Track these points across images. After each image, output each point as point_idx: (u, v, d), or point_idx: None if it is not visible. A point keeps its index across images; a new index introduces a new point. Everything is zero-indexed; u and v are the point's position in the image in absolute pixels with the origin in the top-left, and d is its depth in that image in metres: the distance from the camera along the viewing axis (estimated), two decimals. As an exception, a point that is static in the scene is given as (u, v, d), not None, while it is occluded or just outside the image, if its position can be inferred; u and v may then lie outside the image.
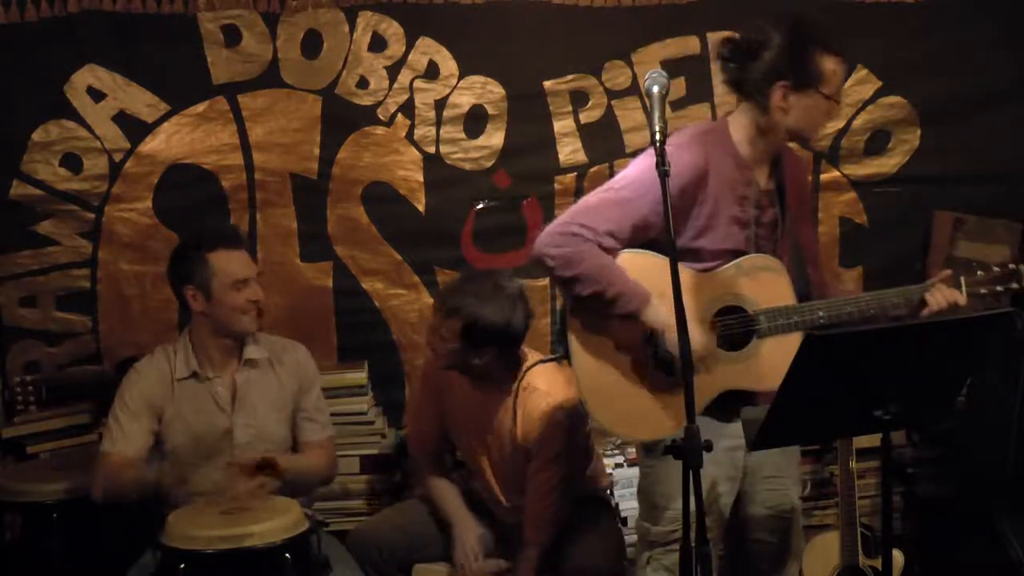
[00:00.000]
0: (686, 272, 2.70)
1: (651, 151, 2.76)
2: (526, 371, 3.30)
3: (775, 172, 2.87)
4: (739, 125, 2.82)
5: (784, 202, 2.87)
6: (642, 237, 2.73)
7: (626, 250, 2.73)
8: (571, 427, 3.23)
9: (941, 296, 2.79)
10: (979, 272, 2.85)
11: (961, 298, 2.80)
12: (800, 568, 3.17)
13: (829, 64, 2.72)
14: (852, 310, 2.78)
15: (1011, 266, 2.85)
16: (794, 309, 2.77)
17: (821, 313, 2.77)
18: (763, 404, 2.79)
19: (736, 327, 2.77)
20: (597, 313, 2.72)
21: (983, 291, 2.84)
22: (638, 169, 2.77)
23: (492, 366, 3.25)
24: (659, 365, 2.72)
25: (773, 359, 2.73)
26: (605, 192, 2.77)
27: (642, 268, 2.71)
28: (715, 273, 2.77)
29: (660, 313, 2.67)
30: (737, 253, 2.78)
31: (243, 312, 3.20)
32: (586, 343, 2.74)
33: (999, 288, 2.84)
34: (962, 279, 2.83)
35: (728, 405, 2.76)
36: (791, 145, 3.00)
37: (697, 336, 2.63)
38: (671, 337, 2.64)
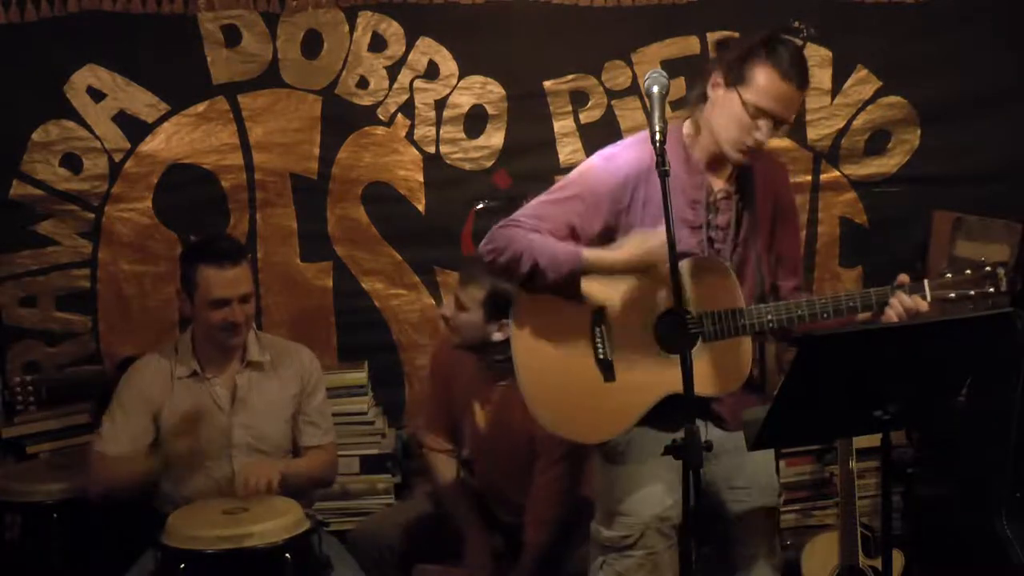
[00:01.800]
0: (631, 243, 2.67)
1: (595, 155, 2.79)
2: None
3: (739, 175, 2.78)
4: (686, 126, 2.78)
5: (748, 207, 2.78)
6: (585, 240, 2.70)
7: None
8: None
9: (900, 306, 2.59)
10: (948, 275, 2.63)
11: (923, 305, 2.60)
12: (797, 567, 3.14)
13: (765, 77, 2.58)
14: (803, 313, 2.65)
15: (987, 268, 2.61)
16: (740, 312, 2.66)
17: (770, 316, 2.66)
18: (723, 410, 2.74)
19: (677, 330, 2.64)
20: (542, 311, 2.70)
21: (951, 295, 2.62)
22: (576, 170, 2.78)
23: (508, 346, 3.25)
24: (601, 363, 2.68)
25: (718, 363, 2.67)
26: (542, 195, 2.77)
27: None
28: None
29: (597, 257, 2.65)
30: (687, 256, 2.68)
31: (220, 330, 3.18)
32: (528, 342, 2.72)
33: (971, 292, 2.62)
34: (925, 282, 2.62)
35: (670, 412, 2.62)
36: (785, 149, 2.94)
37: (619, 249, 2.64)
38: (618, 260, 2.64)
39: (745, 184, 2.79)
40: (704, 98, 2.72)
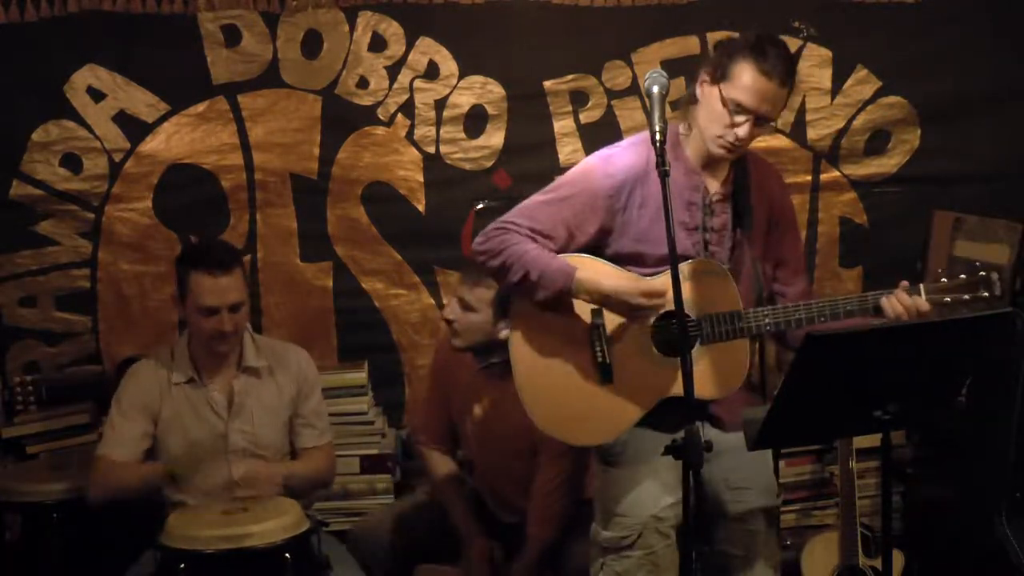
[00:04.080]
0: (629, 277, 2.68)
1: (593, 155, 2.79)
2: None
3: (735, 177, 2.79)
4: (683, 125, 2.79)
5: (744, 210, 2.78)
6: (582, 240, 2.71)
7: (573, 255, 2.69)
8: None
9: (897, 303, 2.63)
10: (943, 279, 2.67)
11: (924, 305, 2.63)
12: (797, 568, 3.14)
13: (748, 75, 2.59)
14: (801, 316, 2.67)
15: (981, 273, 2.65)
16: (739, 315, 2.68)
17: (768, 320, 2.68)
18: (721, 412, 2.75)
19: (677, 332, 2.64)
20: (540, 314, 2.69)
21: (947, 299, 2.65)
22: (573, 170, 2.78)
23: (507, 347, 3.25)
24: (599, 366, 2.68)
25: (716, 366, 2.68)
26: (538, 195, 2.77)
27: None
28: (654, 278, 2.69)
29: (589, 281, 2.63)
30: (684, 259, 2.67)
31: (209, 337, 3.17)
32: (525, 343, 2.71)
33: (965, 296, 2.65)
34: (921, 286, 2.66)
35: (669, 414, 2.64)
36: (785, 149, 2.94)
37: (614, 278, 2.63)
38: (606, 292, 2.62)
39: (740, 187, 2.79)
40: (695, 98, 2.73)
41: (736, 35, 2.79)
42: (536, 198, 2.76)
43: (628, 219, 2.69)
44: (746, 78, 2.60)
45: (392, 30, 3.96)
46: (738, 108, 2.62)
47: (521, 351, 2.72)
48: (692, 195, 2.73)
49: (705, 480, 2.68)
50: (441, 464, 3.53)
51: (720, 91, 2.63)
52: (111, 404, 3.25)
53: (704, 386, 2.66)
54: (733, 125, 2.63)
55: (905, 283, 2.68)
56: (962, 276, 2.67)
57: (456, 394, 3.44)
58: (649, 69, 2.58)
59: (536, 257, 2.64)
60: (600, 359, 2.67)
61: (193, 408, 3.23)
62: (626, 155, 2.72)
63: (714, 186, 2.77)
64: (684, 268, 2.63)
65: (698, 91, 2.69)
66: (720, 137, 2.66)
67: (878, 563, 3.48)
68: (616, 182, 2.68)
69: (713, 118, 2.65)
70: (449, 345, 3.37)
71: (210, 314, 3.13)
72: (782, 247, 2.88)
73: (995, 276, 2.64)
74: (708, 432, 2.74)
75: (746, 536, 2.83)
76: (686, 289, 2.62)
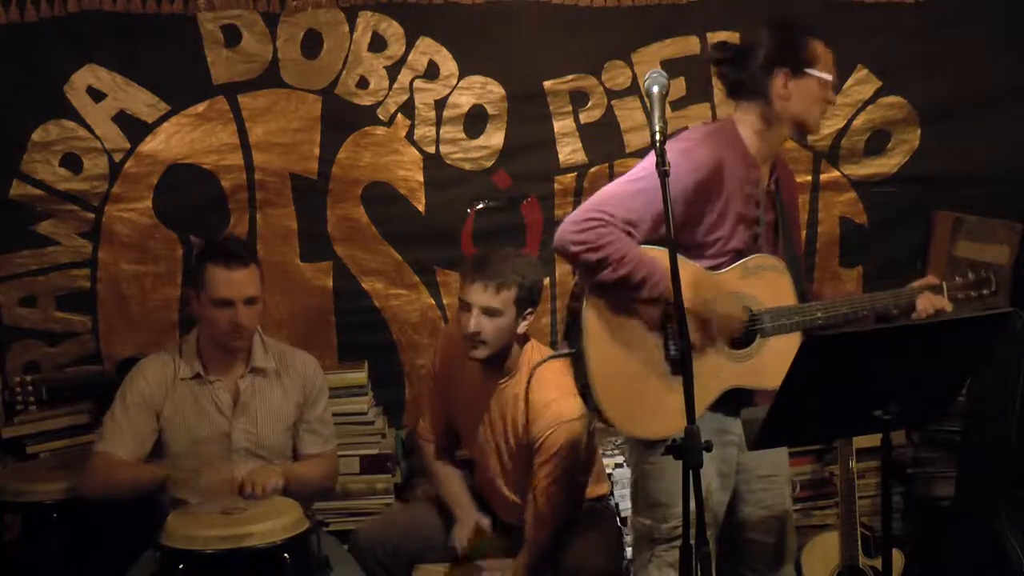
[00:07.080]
0: (695, 268, 2.73)
1: (671, 143, 2.79)
2: (537, 364, 3.29)
3: (773, 174, 2.89)
4: (745, 123, 2.84)
5: (781, 205, 2.90)
6: (662, 231, 2.71)
7: (644, 246, 2.72)
8: (579, 425, 3.22)
9: (929, 304, 2.85)
10: (957, 278, 2.93)
11: (948, 305, 2.87)
12: (797, 567, 3.17)
13: (818, 47, 2.79)
14: (847, 311, 2.83)
15: (983, 273, 2.93)
16: (795, 309, 2.80)
17: (819, 314, 2.81)
18: (763, 403, 2.81)
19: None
20: (615, 304, 2.72)
21: (960, 296, 2.91)
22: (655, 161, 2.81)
23: (520, 338, 3.28)
24: (670, 360, 2.72)
25: (775, 358, 2.74)
26: (626, 183, 2.76)
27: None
28: (722, 272, 2.79)
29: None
30: (741, 252, 2.80)
31: (224, 332, 3.18)
32: (601, 335, 2.73)
33: (973, 293, 2.93)
34: (943, 284, 2.89)
35: (730, 403, 2.77)
36: (785, 149, 3.01)
37: (733, 310, 2.75)
38: (720, 315, 2.71)
39: (778, 184, 2.90)
40: (756, 95, 2.80)
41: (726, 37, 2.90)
42: (623, 187, 2.74)
43: (704, 211, 2.76)
44: (824, 51, 2.80)
45: (392, 30, 3.96)
46: (831, 80, 2.81)
47: (596, 346, 2.73)
48: (752, 189, 2.82)
49: (739, 469, 2.88)
50: (444, 474, 3.52)
51: (814, 75, 2.77)
52: (115, 399, 3.24)
53: (763, 377, 2.76)
54: (829, 96, 2.83)
55: (933, 279, 2.91)
56: (970, 275, 2.92)
57: (457, 394, 3.44)
58: (649, 69, 2.58)
59: (640, 259, 2.67)
60: (673, 352, 2.72)
61: (197, 404, 3.23)
62: (704, 149, 2.75)
63: (765, 181, 2.86)
64: (747, 262, 2.80)
65: (782, 92, 2.78)
66: (821, 114, 2.85)
67: (878, 563, 3.48)
68: (702, 176, 2.72)
69: (814, 101, 2.81)
70: (468, 357, 3.28)
71: (225, 306, 3.15)
72: (796, 244, 3.00)
73: (992, 276, 2.93)
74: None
75: (777, 524, 2.94)
76: (747, 284, 2.78)
